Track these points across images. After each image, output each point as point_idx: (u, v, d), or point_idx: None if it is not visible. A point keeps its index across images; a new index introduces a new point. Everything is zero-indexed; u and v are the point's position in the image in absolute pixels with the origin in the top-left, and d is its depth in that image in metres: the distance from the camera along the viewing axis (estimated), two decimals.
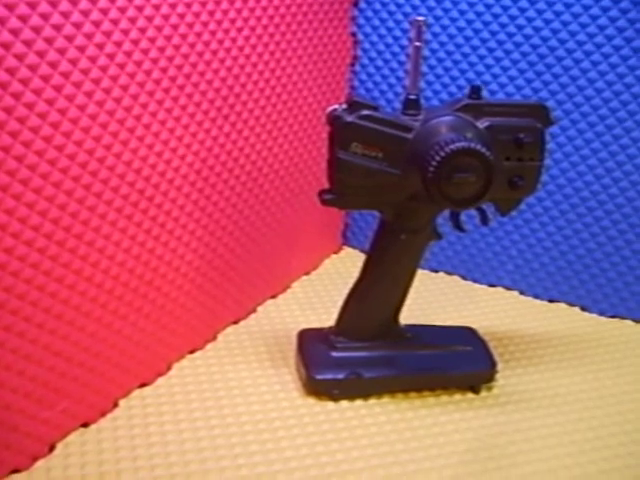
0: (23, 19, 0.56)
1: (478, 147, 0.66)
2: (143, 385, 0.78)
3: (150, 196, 0.72)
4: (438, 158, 0.65)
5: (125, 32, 0.65)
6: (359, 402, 0.78)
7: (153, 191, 0.72)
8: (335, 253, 1.09)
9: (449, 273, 1.04)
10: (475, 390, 0.80)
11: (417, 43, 0.69)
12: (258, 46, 0.80)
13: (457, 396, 0.79)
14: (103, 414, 0.73)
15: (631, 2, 0.82)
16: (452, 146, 0.65)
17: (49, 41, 0.58)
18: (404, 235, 0.74)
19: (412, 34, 0.69)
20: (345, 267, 1.05)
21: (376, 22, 0.96)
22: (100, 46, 0.63)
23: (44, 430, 0.67)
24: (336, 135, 0.69)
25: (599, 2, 0.83)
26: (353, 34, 0.97)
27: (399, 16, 0.94)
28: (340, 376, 0.77)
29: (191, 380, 0.79)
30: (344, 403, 0.77)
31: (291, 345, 0.84)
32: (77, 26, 0.60)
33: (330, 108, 0.70)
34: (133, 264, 0.72)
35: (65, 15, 0.59)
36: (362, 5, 0.95)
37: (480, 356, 0.81)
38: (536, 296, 1.00)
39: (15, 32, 0.56)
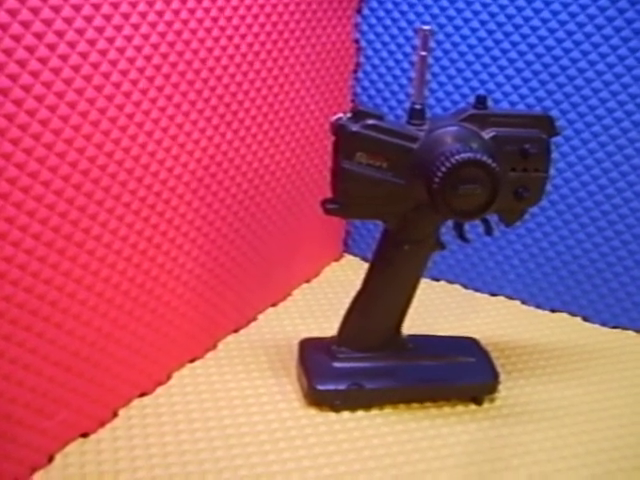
0: (25, 25, 0.55)
1: (484, 158, 0.65)
2: (143, 395, 0.77)
3: (152, 204, 0.71)
4: (444, 169, 0.65)
5: (128, 38, 0.64)
6: (361, 413, 0.77)
7: (155, 199, 0.72)
8: (336, 261, 1.08)
9: (450, 282, 1.04)
10: (477, 401, 0.79)
11: (422, 52, 0.68)
12: (261, 53, 0.80)
13: (459, 407, 0.79)
14: (102, 424, 0.73)
15: (637, 12, 0.81)
16: (458, 157, 0.65)
17: (51, 47, 0.58)
18: (407, 245, 0.74)
19: (418, 43, 0.69)
20: (346, 275, 1.04)
21: (379, 29, 0.95)
22: (103, 52, 0.62)
23: (43, 441, 0.67)
24: (340, 144, 0.69)
25: (604, 12, 0.82)
26: (356, 41, 0.96)
27: (402, 23, 0.93)
28: (342, 387, 0.76)
29: (191, 390, 0.79)
30: (346, 414, 0.77)
31: (292, 354, 0.83)
32: (80, 32, 0.60)
33: (334, 117, 0.69)
34: (133, 273, 0.72)
35: (68, 21, 0.58)
36: (365, 12, 0.95)
37: (483, 367, 0.81)
38: (538, 306, 0.99)
39: (17, 38, 0.55)
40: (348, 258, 1.09)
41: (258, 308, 0.93)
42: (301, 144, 0.91)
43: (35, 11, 0.56)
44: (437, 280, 1.04)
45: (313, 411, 0.77)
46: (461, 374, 0.79)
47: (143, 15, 0.65)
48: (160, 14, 0.66)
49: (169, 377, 0.80)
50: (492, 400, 0.80)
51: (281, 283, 0.96)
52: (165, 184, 0.72)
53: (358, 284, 0.78)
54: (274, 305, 0.95)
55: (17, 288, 0.60)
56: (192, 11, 0.69)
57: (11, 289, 0.60)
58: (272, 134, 0.85)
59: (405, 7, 0.92)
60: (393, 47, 0.95)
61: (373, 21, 0.95)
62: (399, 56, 0.95)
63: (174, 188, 0.73)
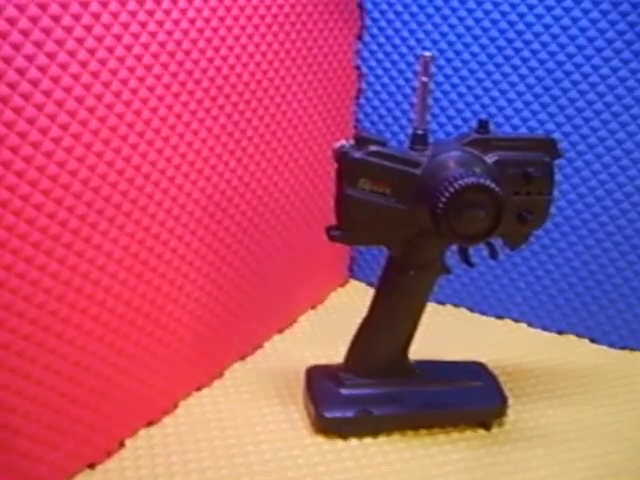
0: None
1: (488, 183, 0.65)
2: (150, 424, 0.77)
3: (156, 233, 0.71)
4: (447, 194, 0.65)
5: (131, 69, 0.65)
6: (369, 440, 0.76)
7: (159, 228, 0.72)
8: (341, 286, 1.08)
9: (456, 305, 1.04)
10: (486, 426, 0.79)
11: (424, 78, 0.69)
12: (263, 80, 0.80)
13: (468, 433, 0.78)
14: (109, 454, 0.72)
15: (636, 34, 0.82)
16: (461, 182, 0.65)
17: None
18: (413, 271, 0.74)
19: (419, 69, 0.69)
20: (352, 301, 1.04)
21: (380, 55, 0.96)
22: (106, 85, 0.63)
23: (50, 472, 0.66)
24: (344, 171, 0.69)
25: (604, 34, 0.83)
26: (357, 67, 0.97)
27: (403, 49, 0.94)
28: (349, 414, 0.76)
29: (198, 418, 0.78)
30: (353, 441, 0.76)
31: (299, 382, 0.83)
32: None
33: (337, 144, 0.69)
34: (139, 301, 0.72)
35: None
36: (366, 38, 0.95)
37: (491, 391, 0.80)
38: (545, 328, 0.99)
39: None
40: (353, 283, 1.09)
41: (264, 335, 0.92)
42: (304, 170, 0.91)
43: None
44: (442, 304, 1.03)
45: (321, 439, 0.76)
46: (469, 399, 0.79)
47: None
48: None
49: (176, 406, 0.80)
50: (501, 425, 0.79)
51: (287, 309, 0.96)
52: (169, 213, 0.72)
53: (364, 310, 0.78)
54: (280, 332, 0.95)
55: (23, 320, 0.60)
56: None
57: (16, 321, 0.60)
58: (275, 161, 0.86)
59: (406, 33, 0.93)
60: (394, 73, 0.96)
61: (374, 47, 0.96)
62: (401, 82, 0.96)
63: (178, 217, 0.74)
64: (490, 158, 0.70)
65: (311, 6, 0.85)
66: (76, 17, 0.59)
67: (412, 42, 0.93)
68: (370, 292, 0.78)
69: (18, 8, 0.54)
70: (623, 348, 0.95)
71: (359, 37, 0.96)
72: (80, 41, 0.60)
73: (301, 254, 0.96)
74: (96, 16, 0.61)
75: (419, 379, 0.80)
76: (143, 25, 0.65)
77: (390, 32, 0.94)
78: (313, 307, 1.02)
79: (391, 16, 0.93)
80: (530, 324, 1.00)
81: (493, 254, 0.75)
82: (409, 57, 0.94)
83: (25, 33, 0.55)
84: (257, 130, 0.81)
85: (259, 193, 0.84)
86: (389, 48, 0.95)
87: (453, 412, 0.79)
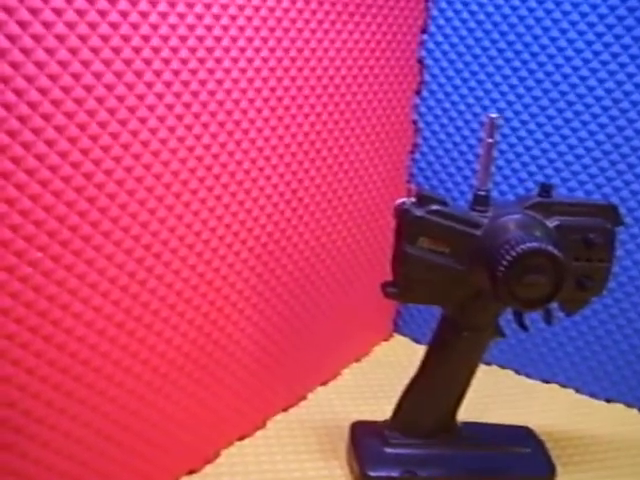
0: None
1: (550, 248, 0.64)
2: (191, 472, 0.76)
3: (210, 280, 0.71)
4: (509, 257, 0.64)
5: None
6: None
7: (213, 275, 0.72)
8: (385, 340, 1.07)
9: (502, 367, 1.02)
10: None
11: (489, 140, 0.69)
12: (323, 132, 0.80)
13: None
14: None
15: None
16: (524, 246, 0.64)
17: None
18: (466, 332, 0.73)
19: (484, 130, 0.69)
20: (396, 355, 1.03)
21: (438, 111, 0.96)
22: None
23: None
24: (404, 229, 0.69)
25: None
26: (414, 122, 0.97)
27: (461, 106, 0.94)
28: (394, 474, 0.75)
29: (240, 469, 0.77)
30: None
31: (342, 436, 0.82)
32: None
33: (399, 201, 0.69)
34: (189, 348, 0.71)
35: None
36: (425, 94, 0.96)
37: (538, 459, 0.78)
38: (592, 395, 0.97)
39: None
40: (398, 338, 1.08)
41: (308, 387, 0.92)
42: (357, 223, 0.91)
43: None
44: (489, 364, 1.02)
45: None
46: (516, 465, 0.77)
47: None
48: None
49: (217, 455, 0.79)
50: None
51: (331, 362, 0.95)
52: (224, 259, 0.72)
53: (407, 365, 0.77)
54: (324, 384, 0.94)
55: (75, 361, 0.60)
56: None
57: (48, 370, 0.59)
58: (329, 212, 0.85)
59: (465, 91, 0.93)
60: (451, 129, 0.96)
61: (432, 103, 0.96)
62: (457, 139, 0.95)
63: (232, 264, 0.73)
64: (551, 222, 0.69)
65: (373, 60, 0.85)
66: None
67: (470, 100, 0.93)
68: (414, 347, 0.77)
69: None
70: None
71: (417, 92, 0.96)
72: (130, 88, 0.60)
73: (348, 307, 0.95)
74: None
75: (466, 442, 0.78)
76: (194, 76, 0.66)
77: (449, 89, 0.94)
78: (357, 360, 1.01)
79: (451, 73, 0.94)
80: (577, 390, 0.98)
81: (549, 319, 0.73)
82: (467, 114, 0.94)
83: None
84: (313, 180, 0.81)
85: (312, 244, 0.84)
86: (447, 104, 0.95)
87: (500, 478, 0.77)
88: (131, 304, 0.64)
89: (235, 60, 0.67)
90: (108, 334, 0.63)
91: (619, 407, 0.95)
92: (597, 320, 0.94)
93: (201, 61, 0.64)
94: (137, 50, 0.59)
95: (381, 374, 0.98)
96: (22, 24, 0.51)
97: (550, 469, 0.77)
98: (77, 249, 0.58)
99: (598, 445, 0.86)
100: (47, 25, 0.52)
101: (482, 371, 0.99)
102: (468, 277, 0.69)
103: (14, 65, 0.51)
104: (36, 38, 0.52)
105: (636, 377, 0.93)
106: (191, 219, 0.68)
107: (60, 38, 0.53)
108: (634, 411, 0.94)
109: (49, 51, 0.53)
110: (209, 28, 0.64)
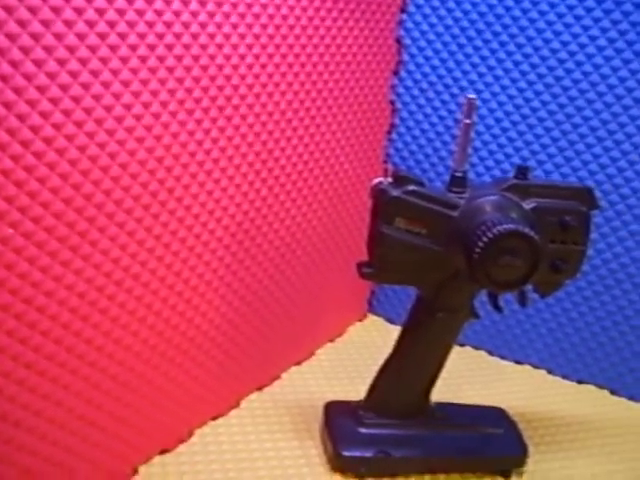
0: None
1: (527, 230, 0.64)
2: (164, 451, 0.76)
3: (184, 258, 0.71)
4: (485, 239, 0.64)
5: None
6: None
7: (188, 253, 0.71)
8: (360, 321, 1.07)
9: (476, 348, 1.02)
10: (505, 475, 0.77)
11: (467, 120, 0.68)
12: (300, 111, 0.80)
13: None
14: None
15: None
16: (500, 227, 0.64)
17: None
18: (441, 313, 0.73)
19: (462, 110, 0.69)
20: (370, 336, 1.03)
21: (415, 92, 0.95)
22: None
23: None
24: (380, 209, 0.68)
25: None
26: (392, 102, 0.96)
27: (439, 87, 0.94)
28: (368, 454, 0.75)
29: (213, 448, 0.77)
30: None
31: (316, 416, 0.82)
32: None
33: (375, 181, 0.69)
34: (162, 327, 0.71)
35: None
36: (402, 74, 0.95)
37: (511, 439, 0.79)
38: (564, 376, 0.97)
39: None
40: (372, 318, 1.08)
41: (282, 366, 0.91)
42: (333, 202, 0.91)
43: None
44: (462, 345, 1.02)
45: (337, 477, 0.75)
46: (489, 446, 0.78)
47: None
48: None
49: (191, 434, 0.79)
50: (520, 474, 0.78)
51: (306, 342, 0.95)
52: (198, 238, 0.72)
53: (382, 345, 0.77)
54: (298, 364, 0.94)
55: (38, 355, 0.60)
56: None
57: (33, 356, 0.59)
58: (305, 191, 0.85)
59: (443, 71, 0.93)
60: (429, 110, 0.95)
61: (410, 83, 0.95)
62: (434, 119, 0.95)
63: (207, 242, 0.73)
64: (528, 204, 0.69)
65: (351, 38, 0.84)
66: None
67: (448, 80, 0.93)
68: (388, 328, 0.77)
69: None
70: None
71: (395, 72, 0.95)
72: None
73: (323, 287, 0.95)
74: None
75: (440, 422, 0.78)
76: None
77: (427, 69, 0.94)
78: (332, 340, 1.01)
79: (429, 53, 0.93)
80: (550, 371, 0.98)
81: (523, 301, 0.74)
82: (444, 95, 0.94)
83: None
84: (290, 159, 0.81)
85: (287, 223, 0.84)
86: (425, 85, 0.95)
87: (473, 458, 0.77)
88: (104, 282, 0.63)
89: (212, 36, 0.66)
90: (81, 312, 0.62)
91: (590, 388, 0.96)
92: (570, 302, 0.94)
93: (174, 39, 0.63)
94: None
95: (355, 354, 0.98)
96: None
97: (522, 449, 0.78)
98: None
99: (569, 426, 0.87)
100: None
101: (456, 352, 0.99)
102: (444, 258, 0.69)
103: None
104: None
105: (607, 359, 0.94)
106: (165, 197, 0.67)
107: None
108: (605, 392, 0.95)
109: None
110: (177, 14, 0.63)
